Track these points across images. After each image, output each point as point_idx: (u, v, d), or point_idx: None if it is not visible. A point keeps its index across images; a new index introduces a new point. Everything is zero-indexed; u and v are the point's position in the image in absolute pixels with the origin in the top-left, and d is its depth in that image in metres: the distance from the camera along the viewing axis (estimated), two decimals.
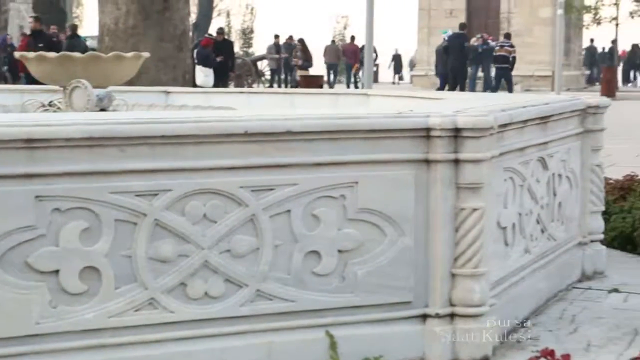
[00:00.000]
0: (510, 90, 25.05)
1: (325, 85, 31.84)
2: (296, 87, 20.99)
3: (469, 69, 31.36)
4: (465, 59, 23.82)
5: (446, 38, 24.97)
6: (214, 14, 41.68)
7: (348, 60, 32.92)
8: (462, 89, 23.84)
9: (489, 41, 31.83)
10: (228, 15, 45.68)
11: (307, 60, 25.50)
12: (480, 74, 31.19)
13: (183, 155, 3.09)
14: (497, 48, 25.39)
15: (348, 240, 3.34)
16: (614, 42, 30.51)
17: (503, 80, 25.33)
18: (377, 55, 37.30)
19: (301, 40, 27.27)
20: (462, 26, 24.73)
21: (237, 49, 40.72)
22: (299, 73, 24.74)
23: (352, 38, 35.50)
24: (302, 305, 3.30)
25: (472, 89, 30.41)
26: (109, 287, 3.04)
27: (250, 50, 45.12)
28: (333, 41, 36.10)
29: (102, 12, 10.66)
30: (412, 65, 40.46)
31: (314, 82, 16.81)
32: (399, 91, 6.50)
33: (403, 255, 3.42)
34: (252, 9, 43.99)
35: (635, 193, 5.98)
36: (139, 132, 3.04)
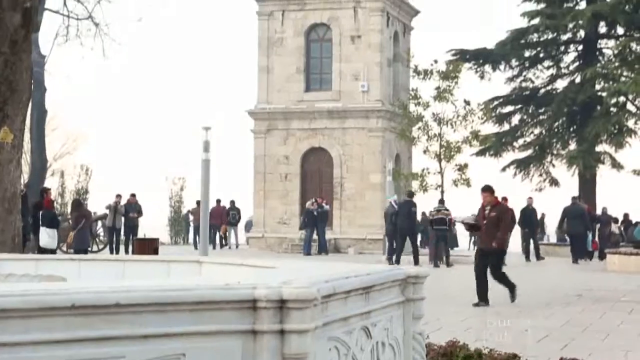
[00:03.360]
0: (446, 250, 27.01)
1: (210, 247, 31.71)
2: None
3: (305, 232, 32.12)
4: (413, 222, 26.32)
5: (394, 203, 26.97)
6: (48, 173, 41.05)
7: (214, 222, 33.41)
8: (415, 247, 26.04)
9: (323, 205, 32.83)
10: (62, 175, 45.03)
11: (78, 222, 23.04)
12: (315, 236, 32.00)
13: (7, 329, 3.05)
14: (434, 212, 27.14)
15: None
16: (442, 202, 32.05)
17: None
18: (239, 216, 37.58)
19: (76, 201, 26.47)
20: (410, 194, 26.99)
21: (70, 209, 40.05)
22: (70, 234, 23.11)
23: (218, 201, 35.89)
24: None
25: (308, 252, 31.15)
26: None
27: None
28: (219, 201, 36.29)
29: None
30: (248, 227, 40.72)
31: (149, 246, 16.64)
32: (231, 258, 6.58)
33: None
34: (87, 169, 43.51)
35: (457, 359, 6.20)
36: None
